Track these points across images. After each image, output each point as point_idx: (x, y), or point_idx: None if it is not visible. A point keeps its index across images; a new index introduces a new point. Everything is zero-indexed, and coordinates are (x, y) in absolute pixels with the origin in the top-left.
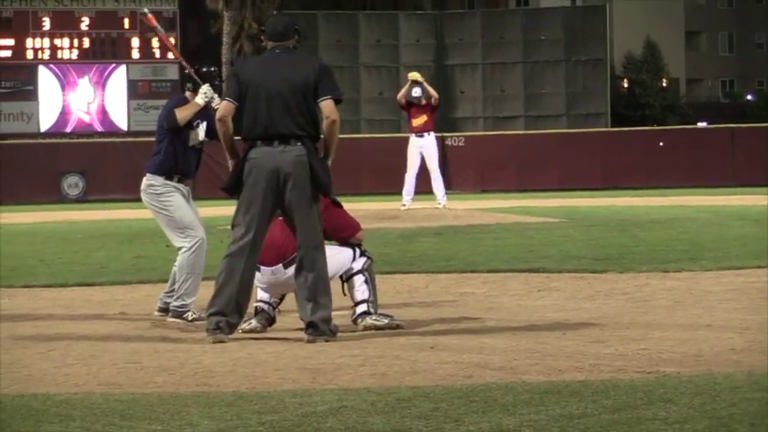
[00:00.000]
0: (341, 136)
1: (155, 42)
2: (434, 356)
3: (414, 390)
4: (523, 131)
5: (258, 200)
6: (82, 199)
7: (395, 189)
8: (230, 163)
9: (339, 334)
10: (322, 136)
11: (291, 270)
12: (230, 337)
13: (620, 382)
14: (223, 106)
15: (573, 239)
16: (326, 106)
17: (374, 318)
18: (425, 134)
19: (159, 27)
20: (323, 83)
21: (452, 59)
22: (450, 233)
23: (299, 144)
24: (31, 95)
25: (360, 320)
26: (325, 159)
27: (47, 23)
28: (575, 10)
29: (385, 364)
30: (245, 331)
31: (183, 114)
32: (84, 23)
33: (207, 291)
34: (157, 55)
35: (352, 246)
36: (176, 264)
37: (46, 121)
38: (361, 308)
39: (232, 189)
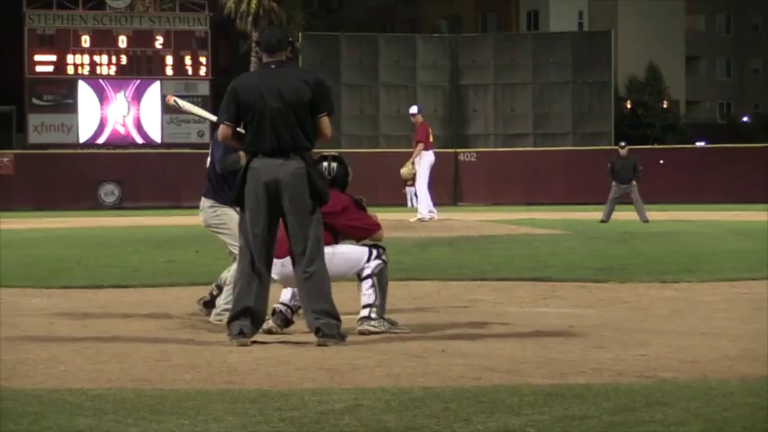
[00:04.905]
0: (361, 150)
1: (187, 60)
2: (445, 359)
3: (426, 390)
4: (532, 148)
5: (260, 207)
6: (117, 206)
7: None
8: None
9: (348, 338)
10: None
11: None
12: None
13: (620, 386)
14: (221, 130)
15: (577, 251)
16: (323, 122)
17: (373, 324)
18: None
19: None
20: (321, 100)
21: (466, 80)
22: (462, 243)
23: (298, 157)
24: (71, 108)
25: (359, 324)
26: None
27: (87, 41)
28: (582, 35)
29: (399, 366)
30: (262, 331)
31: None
32: (122, 41)
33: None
34: (189, 72)
35: (369, 247)
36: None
37: (85, 132)
38: (363, 312)
39: (238, 201)
